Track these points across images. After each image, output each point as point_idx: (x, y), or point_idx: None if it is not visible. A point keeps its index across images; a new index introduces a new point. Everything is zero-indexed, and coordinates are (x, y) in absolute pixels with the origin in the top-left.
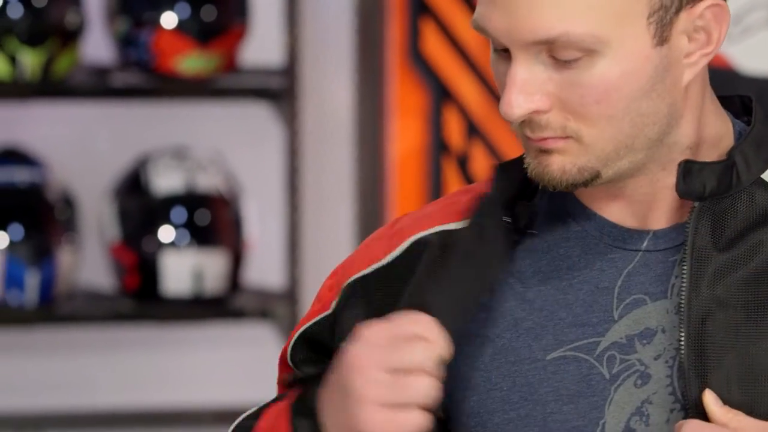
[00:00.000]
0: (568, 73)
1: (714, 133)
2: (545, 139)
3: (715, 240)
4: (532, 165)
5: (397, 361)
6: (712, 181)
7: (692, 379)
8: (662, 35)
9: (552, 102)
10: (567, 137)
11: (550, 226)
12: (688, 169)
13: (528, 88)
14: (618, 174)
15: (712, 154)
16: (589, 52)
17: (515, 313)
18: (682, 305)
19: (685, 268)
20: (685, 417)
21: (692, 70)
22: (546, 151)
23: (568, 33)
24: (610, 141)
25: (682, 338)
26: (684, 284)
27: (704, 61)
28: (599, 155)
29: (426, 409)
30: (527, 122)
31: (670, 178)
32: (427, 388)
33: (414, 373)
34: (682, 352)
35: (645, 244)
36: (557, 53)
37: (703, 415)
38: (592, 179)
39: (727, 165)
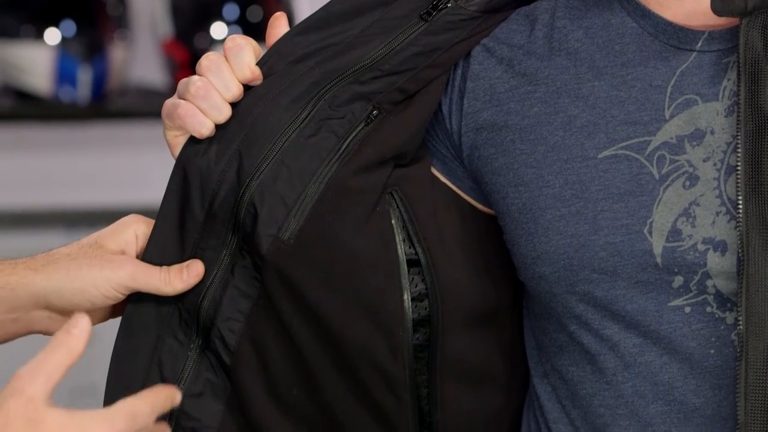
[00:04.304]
0: None
1: None
2: None
3: None
4: None
5: None
6: None
7: (749, 193)
8: None
9: None
10: None
11: (605, 22)
12: None
13: None
14: None
15: None
16: None
17: (569, 110)
18: (739, 118)
19: (741, 84)
20: (730, 221)
21: None
22: None
23: None
24: None
25: (731, 142)
26: (740, 100)
27: None
28: None
29: None
30: None
31: None
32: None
33: None
34: (739, 167)
35: (700, 44)
36: None
37: (754, 229)
38: None
39: None
